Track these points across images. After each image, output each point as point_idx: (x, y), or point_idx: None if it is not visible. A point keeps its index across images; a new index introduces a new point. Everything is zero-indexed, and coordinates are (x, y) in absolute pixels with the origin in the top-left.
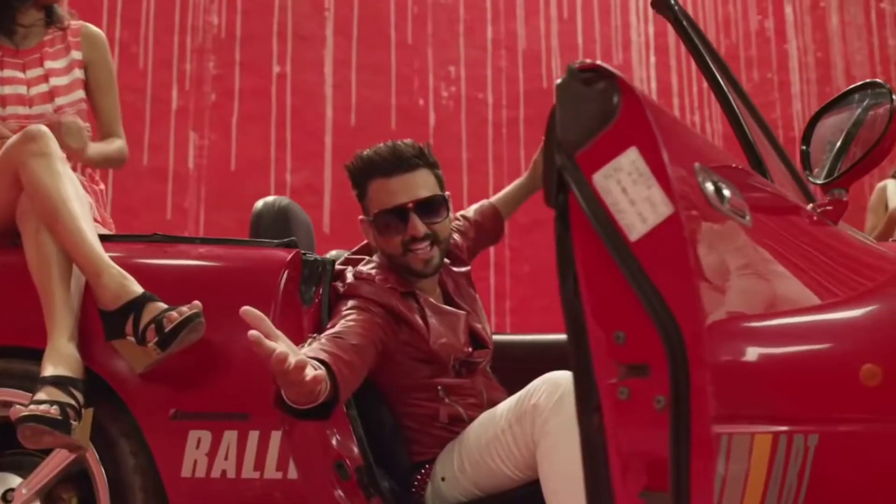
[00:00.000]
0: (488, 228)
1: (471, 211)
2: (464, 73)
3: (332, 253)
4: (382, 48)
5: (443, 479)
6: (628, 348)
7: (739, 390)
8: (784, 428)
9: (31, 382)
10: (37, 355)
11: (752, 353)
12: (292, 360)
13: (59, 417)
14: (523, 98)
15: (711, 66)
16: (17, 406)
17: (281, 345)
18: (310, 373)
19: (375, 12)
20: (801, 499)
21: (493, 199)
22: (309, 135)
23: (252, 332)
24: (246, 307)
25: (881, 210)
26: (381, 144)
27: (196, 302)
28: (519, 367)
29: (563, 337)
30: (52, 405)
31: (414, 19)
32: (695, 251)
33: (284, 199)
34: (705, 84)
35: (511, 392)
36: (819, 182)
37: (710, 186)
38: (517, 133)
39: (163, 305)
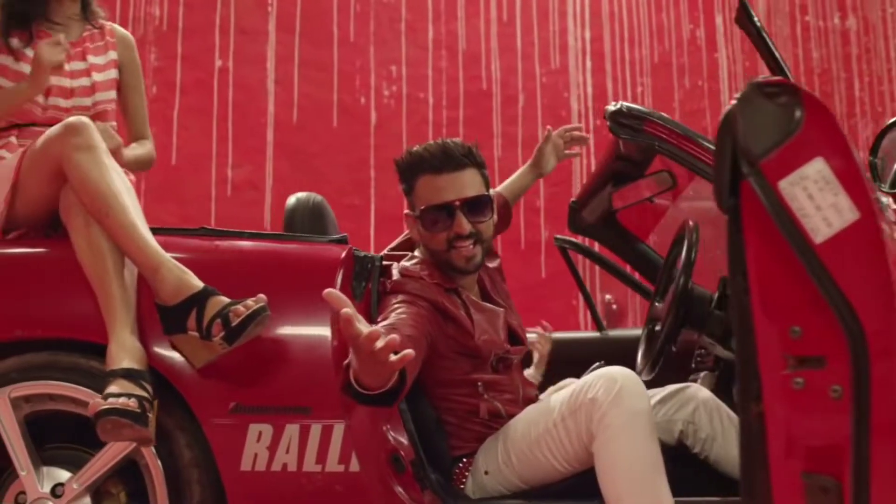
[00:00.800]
0: (500, 217)
1: None
2: (405, 72)
3: None
4: (325, 45)
5: (486, 472)
6: (804, 342)
7: None
8: None
9: (78, 375)
10: (83, 348)
11: None
12: (381, 341)
13: (138, 410)
14: (463, 98)
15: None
16: (96, 400)
17: (364, 326)
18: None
19: (318, 9)
20: None
21: (500, 187)
22: (251, 130)
23: (346, 311)
24: (329, 289)
25: None
26: (431, 142)
27: (261, 295)
28: None
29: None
30: (129, 398)
31: (356, 17)
32: (882, 254)
33: (317, 196)
34: (639, 89)
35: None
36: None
37: (878, 196)
38: (457, 133)
39: (226, 299)
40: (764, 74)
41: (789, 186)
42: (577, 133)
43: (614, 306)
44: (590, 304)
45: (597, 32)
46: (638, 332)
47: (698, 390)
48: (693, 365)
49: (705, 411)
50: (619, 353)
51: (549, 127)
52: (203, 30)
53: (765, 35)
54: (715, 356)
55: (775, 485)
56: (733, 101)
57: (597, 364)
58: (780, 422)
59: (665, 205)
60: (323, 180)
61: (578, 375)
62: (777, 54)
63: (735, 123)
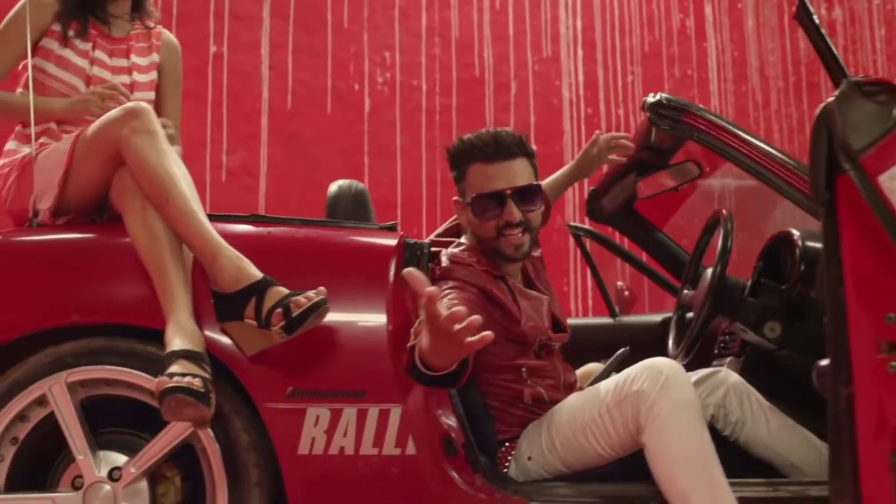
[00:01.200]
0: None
1: None
2: (398, 59)
3: None
4: (319, 31)
5: (529, 458)
6: None
7: None
8: None
9: (136, 360)
10: (140, 333)
11: None
12: (462, 322)
13: (202, 390)
14: (456, 86)
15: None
16: (162, 377)
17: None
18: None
19: None
20: None
21: (542, 184)
22: (245, 116)
23: (431, 289)
24: (409, 269)
25: None
26: (483, 131)
27: (322, 288)
28: None
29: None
30: (193, 377)
31: (350, 4)
32: None
33: (358, 183)
34: (630, 78)
35: None
36: None
37: None
38: (450, 120)
39: (285, 290)
40: (755, 64)
41: (889, 181)
42: (623, 142)
43: (626, 293)
44: (603, 290)
45: (588, 22)
46: (649, 318)
47: (728, 374)
48: (716, 350)
49: (735, 395)
50: (633, 339)
51: (598, 131)
52: (198, 16)
53: (823, 32)
54: (742, 341)
55: (863, 464)
56: (830, 99)
57: (622, 350)
58: (871, 404)
59: (684, 194)
60: (317, 166)
61: (598, 360)
62: (836, 52)
63: (833, 120)
